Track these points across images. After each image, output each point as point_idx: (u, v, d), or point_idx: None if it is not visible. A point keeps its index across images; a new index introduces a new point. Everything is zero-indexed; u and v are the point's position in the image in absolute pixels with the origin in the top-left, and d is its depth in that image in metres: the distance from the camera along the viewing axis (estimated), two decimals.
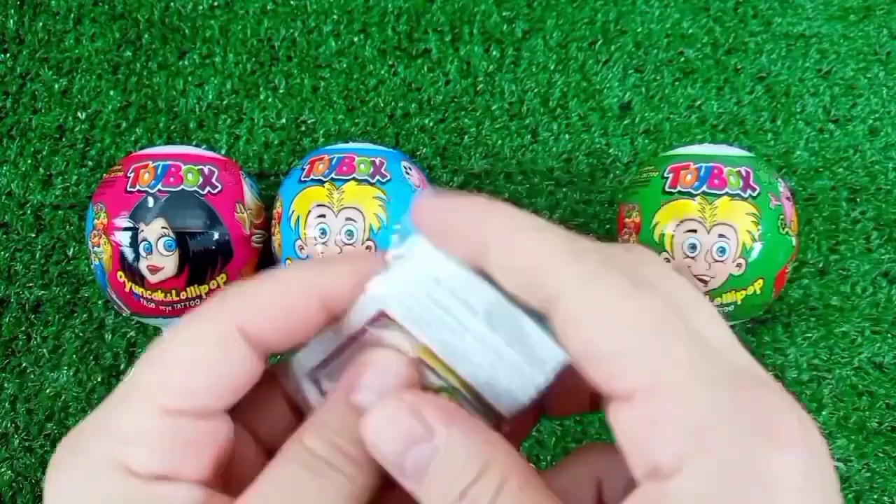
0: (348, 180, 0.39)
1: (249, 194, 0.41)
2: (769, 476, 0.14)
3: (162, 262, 0.38)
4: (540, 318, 0.18)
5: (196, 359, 0.17)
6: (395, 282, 0.19)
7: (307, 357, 0.20)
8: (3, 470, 0.42)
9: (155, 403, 0.17)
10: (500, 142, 0.49)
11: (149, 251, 0.38)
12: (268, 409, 0.20)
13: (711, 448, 0.14)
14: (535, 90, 0.51)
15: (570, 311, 0.16)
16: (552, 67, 0.52)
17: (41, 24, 0.51)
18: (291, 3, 0.53)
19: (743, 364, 0.16)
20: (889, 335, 0.46)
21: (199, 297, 0.39)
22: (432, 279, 0.19)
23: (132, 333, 0.45)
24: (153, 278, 0.38)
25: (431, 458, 0.17)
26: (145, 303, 0.39)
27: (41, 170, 0.48)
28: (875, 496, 0.44)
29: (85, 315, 0.45)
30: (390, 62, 0.52)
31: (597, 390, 0.16)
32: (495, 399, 0.19)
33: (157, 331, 0.45)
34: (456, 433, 0.17)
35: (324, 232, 0.38)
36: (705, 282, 0.38)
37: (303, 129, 0.50)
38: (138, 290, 0.39)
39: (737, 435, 0.14)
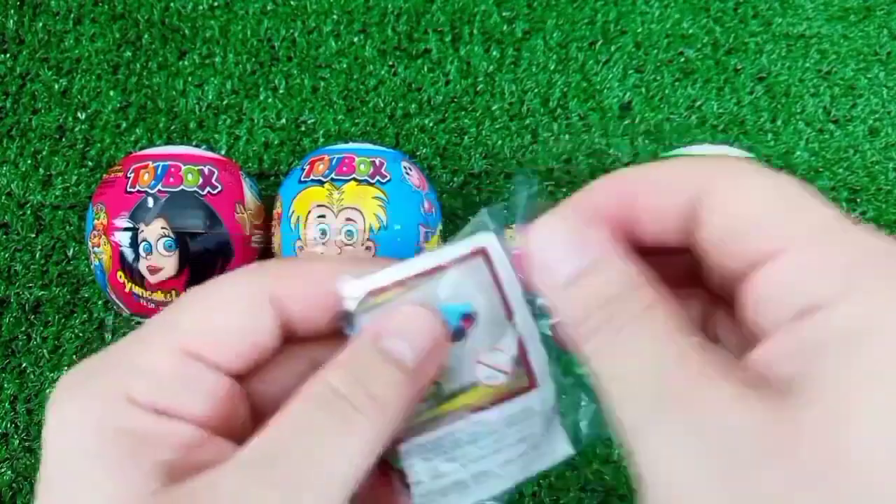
0: (348, 180, 0.39)
1: (249, 194, 0.41)
2: None
3: (162, 262, 0.38)
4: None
5: (227, 315, 0.17)
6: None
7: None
8: (3, 470, 0.42)
9: (175, 341, 0.17)
10: (500, 142, 0.49)
11: (149, 251, 0.38)
12: (276, 380, 0.20)
13: (873, 277, 0.14)
14: (535, 90, 0.51)
15: (717, 197, 0.16)
16: (552, 67, 0.52)
17: (41, 24, 0.51)
18: (291, 3, 0.53)
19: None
20: None
21: None
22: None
23: None
24: (153, 279, 0.38)
25: (586, 267, 0.16)
26: (145, 303, 0.39)
27: (41, 170, 0.48)
28: None
29: (85, 315, 0.45)
30: (390, 62, 0.52)
31: (731, 270, 0.16)
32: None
33: None
34: (616, 256, 0.17)
35: (324, 232, 0.38)
36: None
37: (303, 129, 0.50)
38: (138, 290, 0.39)
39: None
